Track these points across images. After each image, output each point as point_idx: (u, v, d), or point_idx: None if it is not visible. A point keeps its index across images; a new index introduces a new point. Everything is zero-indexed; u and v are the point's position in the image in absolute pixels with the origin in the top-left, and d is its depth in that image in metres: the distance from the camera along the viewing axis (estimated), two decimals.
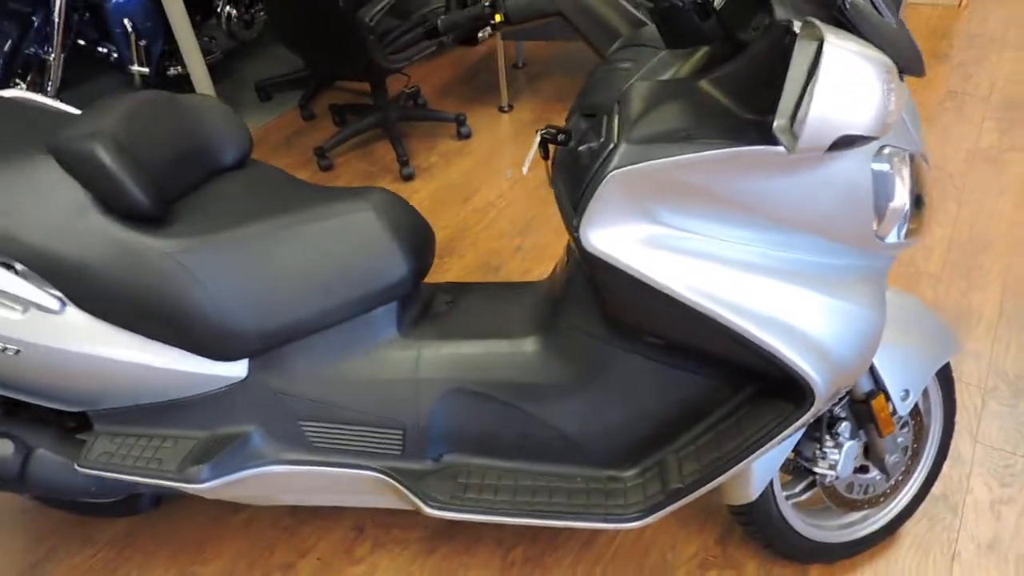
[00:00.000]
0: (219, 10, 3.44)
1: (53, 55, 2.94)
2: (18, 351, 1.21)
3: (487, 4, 1.26)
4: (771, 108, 0.91)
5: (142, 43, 3.03)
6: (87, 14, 3.16)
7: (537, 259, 2.37)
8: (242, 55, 3.90)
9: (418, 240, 1.31)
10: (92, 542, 1.71)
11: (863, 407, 1.28)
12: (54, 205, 1.17)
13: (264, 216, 1.25)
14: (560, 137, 1.16)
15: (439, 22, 1.37)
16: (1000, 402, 1.82)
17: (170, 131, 1.29)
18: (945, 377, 1.44)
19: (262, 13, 3.61)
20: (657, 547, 1.59)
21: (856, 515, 1.49)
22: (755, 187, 0.94)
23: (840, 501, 1.41)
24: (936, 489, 1.63)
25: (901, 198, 1.01)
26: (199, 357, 1.25)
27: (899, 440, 1.36)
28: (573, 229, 1.00)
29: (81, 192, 1.18)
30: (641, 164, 0.93)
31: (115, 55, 3.20)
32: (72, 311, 1.21)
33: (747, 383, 1.20)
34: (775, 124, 0.87)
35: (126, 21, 2.96)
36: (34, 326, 1.20)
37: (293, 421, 1.31)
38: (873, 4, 0.91)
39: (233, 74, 3.77)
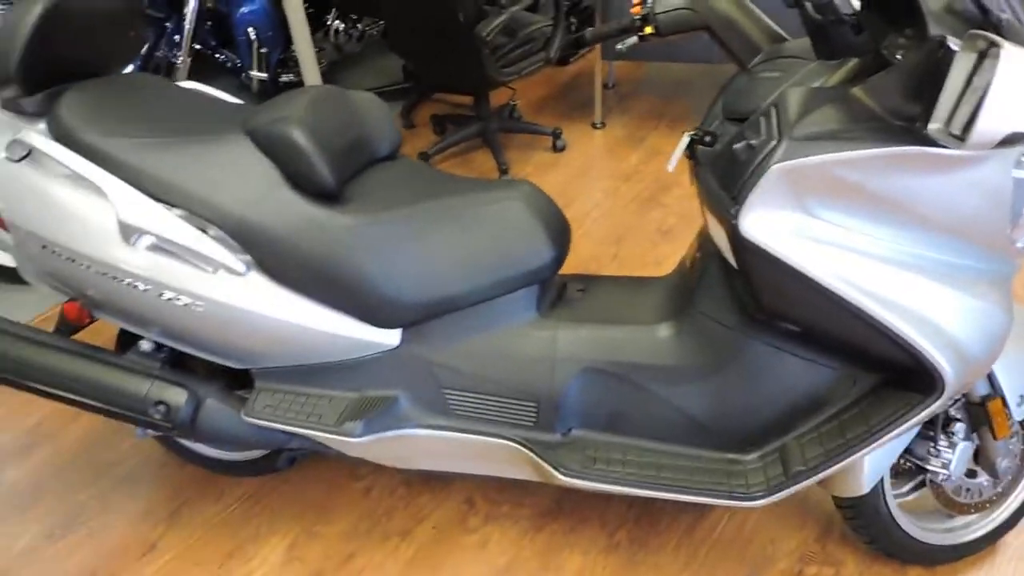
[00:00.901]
0: (328, 24, 3.67)
1: (181, 58, 3.18)
2: (203, 308, 1.36)
3: (639, 17, 1.38)
4: (921, 116, 1.01)
5: (263, 51, 3.25)
6: (210, 23, 3.42)
7: (633, 266, 2.47)
8: (346, 66, 4.13)
9: (559, 230, 1.43)
10: (224, 497, 1.85)
11: (979, 409, 1.34)
12: (249, 179, 1.32)
13: (425, 199, 1.39)
14: (707, 139, 1.27)
15: (587, 33, 1.50)
16: None
17: (343, 121, 1.44)
18: None
19: (365, 27, 3.82)
20: (758, 539, 1.66)
21: (961, 520, 1.54)
22: (906, 186, 1.03)
23: (948, 503, 1.47)
24: None
25: None
26: (361, 323, 1.39)
27: (1011, 446, 1.42)
28: (731, 218, 1.10)
29: (273, 169, 1.33)
30: (803, 159, 1.03)
31: (234, 62, 3.45)
32: (254, 275, 1.36)
33: (870, 374, 1.28)
34: (931, 127, 0.96)
35: (250, 30, 3.19)
36: (220, 286, 1.35)
37: (437, 388, 1.43)
38: (1020, 21, 1.00)
39: (337, 83, 3.97)
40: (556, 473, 1.37)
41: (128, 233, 1.32)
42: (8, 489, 1.93)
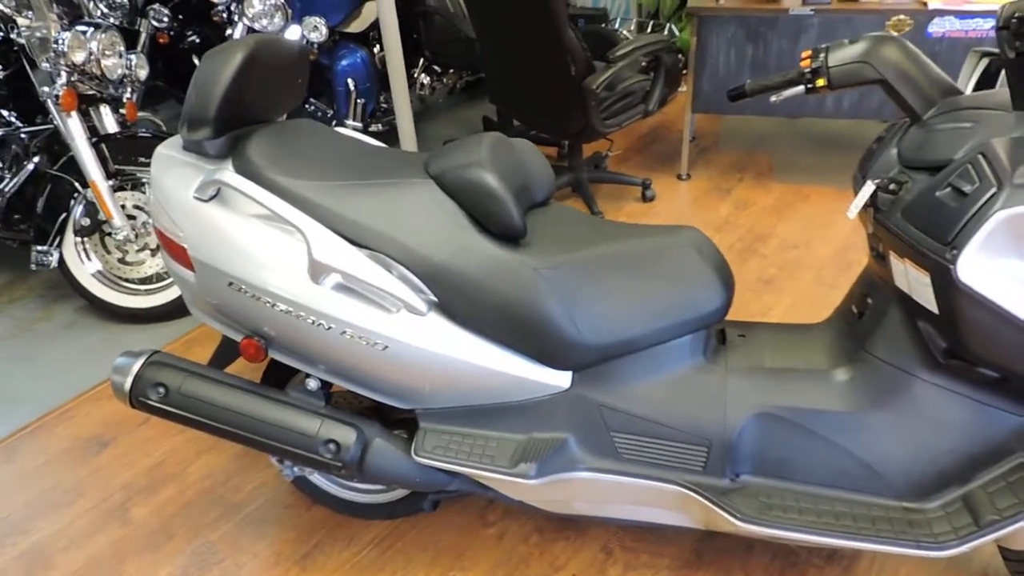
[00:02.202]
0: (415, 77, 3.80)
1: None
2: (384, 346, 1.39)
3: (808, 71, 1.42)
4: None
5: (360, 101, 3.37)
6: None
7: (740, 316, 2.48)
8: (426, 117, 4.25)
9: (725, 277, 1.45)
10: (356, 540, 1.85)
11: None
12: (438, 221, 1.37)
13: (600, 243, 1.42)
14: (891, 186, 1.30)
15: (746, 86, 1.55)
16: None
17: (514, 167, 1.48)
18: None
19: (449, 80, 3.95)
20: None
21: None
22: None
23: None
24: None
25: None
26: (536, 364, 1.41)
27: None
28: (946, 263, 1.12)
29: (460, 212, 1.37)
30: None
31: (323, 111, 3.56)
32: (434, 315, 1.39)
33: None
34: None
35: (350, 81, 3.31)
36: (402, 326, 1.38)
37: (606, 432, 1.44)
38: None
39: (420, 134, 4.10)
40: (731, 518, 1.36)
41: (318, 272, 1.36)
42: (137, 527, 1.95)
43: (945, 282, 1.13)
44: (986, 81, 1.61)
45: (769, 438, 1.40)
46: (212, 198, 1.43)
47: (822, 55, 1.42)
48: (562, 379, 1.43)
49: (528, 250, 1.38)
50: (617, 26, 4.32)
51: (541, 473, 1.41)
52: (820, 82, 1.42)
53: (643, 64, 3.02)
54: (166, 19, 3.27)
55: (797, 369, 1.43)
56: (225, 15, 3.15)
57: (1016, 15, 1.11)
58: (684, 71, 3.38)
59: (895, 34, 1.42)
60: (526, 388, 1.43)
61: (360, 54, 3.31)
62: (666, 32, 4.25)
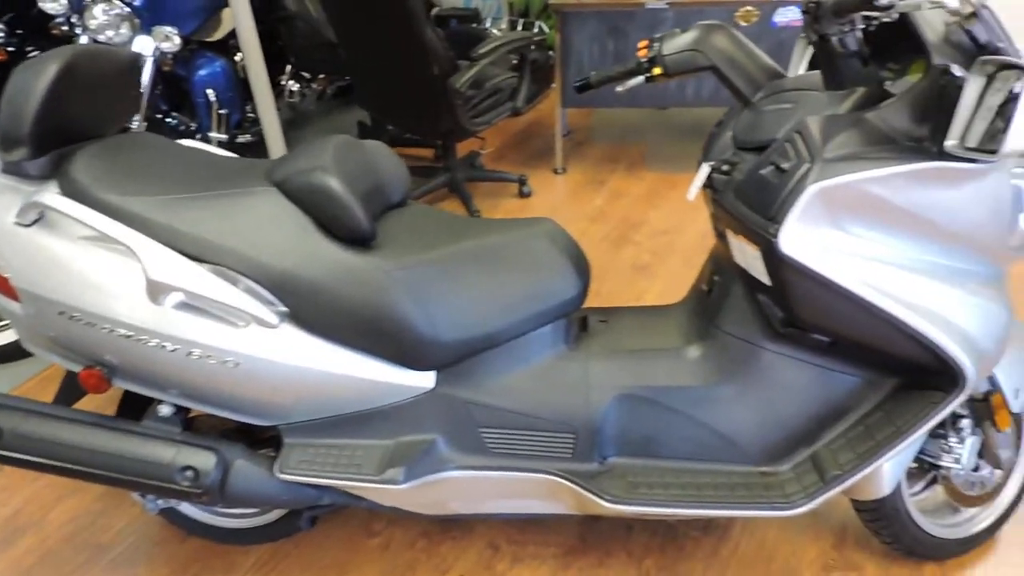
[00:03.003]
0: (283, 84, 3.69)
1: (137, 123, 3.13)
2: (236, 363, 1.34)
3: (646, 60, 1.47)
4: (930, 136, 1.13)
5: (223, 112, 3.23)
6: (160, 87, 3.38)
7: (615, 303, 2.55)
8: (299, 125, 4.13)
9: (581, 265, 1.48)
10: (235, 568, 1.78)
11: (982, 404, 1.45)
12: (281, 229, 1.33)
13: (455, 241, 1.42)
14: (724, 168, 1.36)
15: (591, 76, 1.58)
16: None
17: (363, 170, 1.46)
18: None
19: (320, 86, 3.86)
20: (780, 554, 1.71)
21: (968, 512, 1.63)
22: (924, 198, 1.14)
23: (958, 497, 1.56)
24: None
25: None
26: (397, 367, 1.39)
27: (1010, 436, 1.53)
28: (770, 236, 1.18)
29: (305, 218, 1.34)
30: (837, 179, 1.12)
31: (186, 124, 3.41)
32: (287, 326, 1.35)
33: (889, 379, 1.36)
34: (948, 144, 1.07)
35: (209, 91, 3.17)
36: (253, 340, 1.33)
37: (474, 428, 1.44)
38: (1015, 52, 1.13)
39: (293, 141, 3.99)
40: (601, 501, 1.39)
41: (157, 291, 1.29)
42: None
43: (772, 255, 1.19)
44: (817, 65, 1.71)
45: (631, 418, 1.44)
46: (35, 222, 1.33)
47: (656, 44, 1.47)
48: (425, 380, 1.42)
49: (379, 252, 1.36)
50: (488, 25, 4.35)
51: (410, 477, 1.39)
52: (656, 71, 1.46)
53: (513, 62, 3.05)
54: (2, 34, 3.04)
55: (653, 349, 1.47)
56: (66, 27, 2.96)
57: (812, 1, 1.18)
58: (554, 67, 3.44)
59: (741, 22, 1.50)
60: (389, 392, 1.41)
61: (219, 63, 3.18)
62: (535, 29, 4.31)
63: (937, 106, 1.11)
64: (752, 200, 1.24)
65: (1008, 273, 1.34)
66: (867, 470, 1.32)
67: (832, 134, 1.16)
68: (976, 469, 1.56)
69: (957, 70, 1.09)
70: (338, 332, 1.35)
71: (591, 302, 2.56)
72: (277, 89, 3.71)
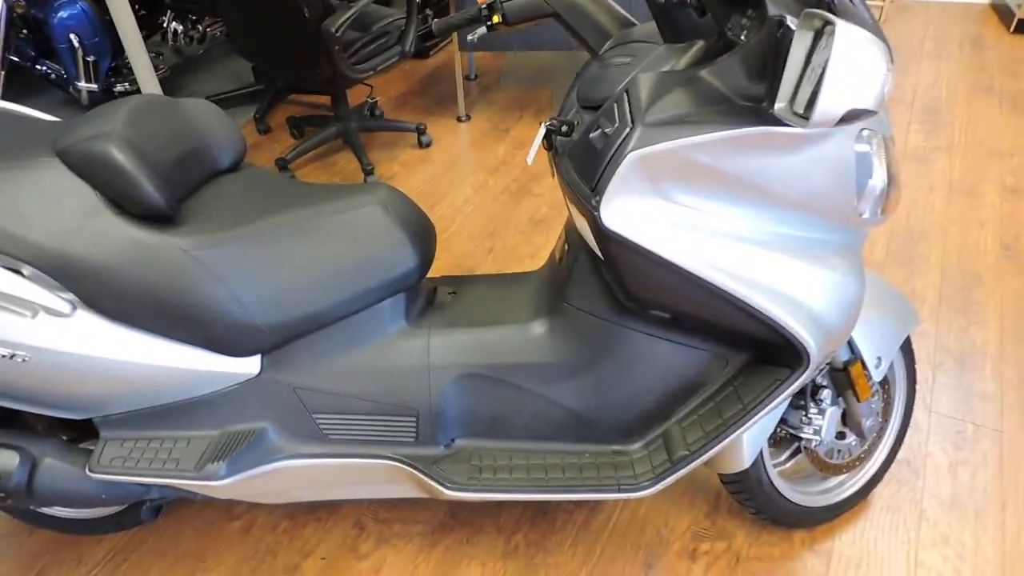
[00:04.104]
0: (165, 26, 3.41)
1: None
2: (26, 357, 1.20)
3: (484, 7, 1.32)
4: (766, 95, 1.02)
5: (89, 59, 2.97)
6: (26, 31, 3.09)
7: (508, 259, 2.44)
8: (190, 70, 3.85)
9: (422, 233, 1.36)
10: (84, 561, 1.67)
11: (842, 375, 1.39)
12: (65, 207, 1.17)
13: (273, 213, 1.28)
14: (564, 128, 1.24)
15: (433, 24, 1.43)
16: (948, 375, 1.98)
17: (172, 133, 1.31)
18: (906, 348, 1.57)
19: (209, 28, 3.58)
20: (651, 524, 1.66)
21: (835, 480, 1.61)
22: (757, 166, 1.04)
23: (822, 466, 1.52)
24: (900, 455, 1.77)
25: (879, 176, 1.13)
26: (213, 354, 1.27)
27: (873, 405, 1.48)
28: (592, 209, 1.07)
29: (92, 193, 1.18)
30: (658, 145, 1.01)
31: (58, 73, 3.13)
32: (83, 314, 1.21)
33: (740, 354, 1.29)
34: (776, 107, 0.96)
35: (72, 36, 2.90)
36: (44, 331, 1.19)
37: (307, 415, 1.33)
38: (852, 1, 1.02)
39: (182, 90, 3.72)
40: (442, 488, 1.31)
41: None
42: None
43: (597, 228, 1.09)
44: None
45: (476, 399, 1.35)
46: None
47: None
48: (248, 365, 1.30)
49: (180, 229, 1.22)
50: None
51: (233, 471, 1.29)
52: (496, 18, 1.33)
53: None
54: None
55: (499, 323, 1.37)
56: None
57: None
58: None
59: None
60: (208, 380, 1.29)
61: (81, 4, 2.90)
62: None
63: (773, 63, 1.00)
64: (580, 167, 1.12)
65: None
66: (714, 450, 1.26)
67: (660, 94, 1.05)
68: (843, 437, 1.52)
69: (793, 23, 0.98)
70: (140, 319, 1.22)
71: (484, 258, 2.45)
72: (159, 31, 3.43)
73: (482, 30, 1.39)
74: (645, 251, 1.08)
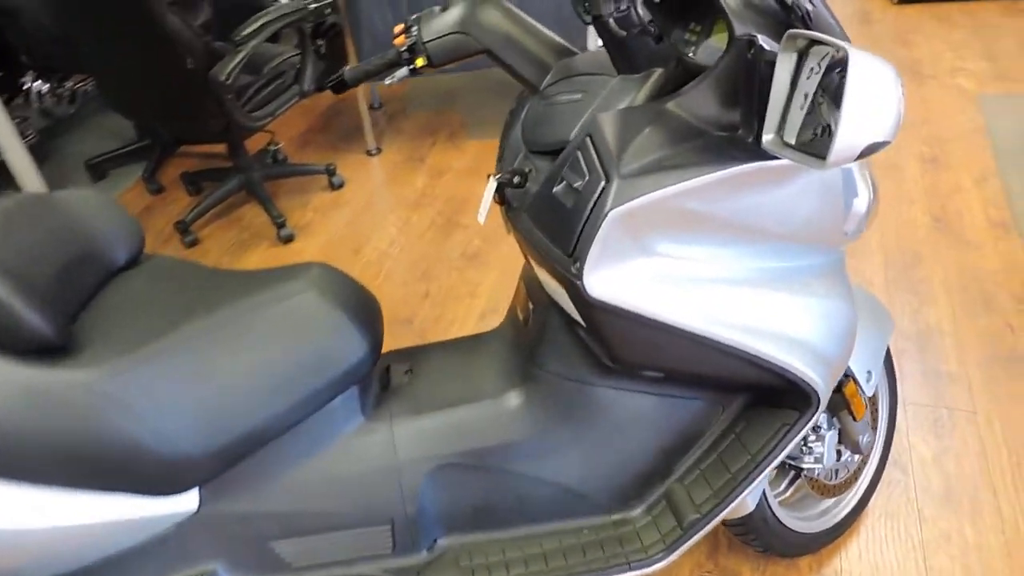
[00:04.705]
0: (26, 87, 3.07)
1: None
2: None
3: (404, 49, 1.17)
4: (742, 122, 0.91)
5: None
6: None
7: (447, 301, 2.28)
8: (62, 132, 3.50)
9: (367, 313, 1.19)
10: None
11: (837, 396, 1.31)
12: None
13: (188, 317, 1.09)
14: (516, 180, 1.10)
15: (345, 73, 1.27)
16: (912, 361, 1.95)
17: (52, 240, 1.10)
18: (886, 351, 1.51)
19: (79, 85, 3.25)
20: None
21: (833, 499, 1.53)
22: (747, 203, 0.93)
23: (823, 490, 1.44)
24: None
25: (864, 193, 1.04)
26: (140, 496, 1.06)
27: (866, 419, 1.41)
28: (573, 277, 0.93)
29: None
30: (640, 199, 0.88)
31: None
32: None
33: (736, 397, 1.19)
34: (765, 140, 0.86)
35: None
36: None
37: (263, 543, 1.14)
38: (827, 9, 0.92)
39: (56, 154, 3.37)
40: None
41: None
42: None
43: (579, 298, 0.96)
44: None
45: (455, 491, 1.20)
46: None
47: (415, 29, 1.17)
48: (185, 502, 1.10)
49: (79, 359, 1.01)
50: None
51: None
52: (420, 61, 1.17)
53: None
54: None
55: (468, 401, 1.22)
56: None
57: None
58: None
59: None
60: (140, 528, 1.08)
61: None
62: None
63: (747, 87, 0.89)
64: (548, 228, 0.99)
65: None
66: (729, 507, 1.15)
67: (628, 136, 0.92)
68: (840, 455, 1.44)
69: (765, 41, 0.87)
70: (46, 475, 1.00)
71: (421, 303, 2.29)
72: (22, 94, 3.09)
73: (402, 73, 1.24)
74: (635, 315, 0.95)
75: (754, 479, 1.12)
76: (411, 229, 2.63)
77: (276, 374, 1.09)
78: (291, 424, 1.12)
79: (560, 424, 1.19)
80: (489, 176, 1.14)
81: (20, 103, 3.13)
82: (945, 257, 2.27)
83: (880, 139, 0.75)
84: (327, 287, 1.16)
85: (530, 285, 1.24)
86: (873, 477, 1.56)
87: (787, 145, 0.84)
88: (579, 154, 0.96)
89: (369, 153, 3.09)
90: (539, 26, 1.20)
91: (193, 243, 2.67)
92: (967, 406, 1.81)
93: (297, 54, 2.52)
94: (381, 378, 1.30)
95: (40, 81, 3.11)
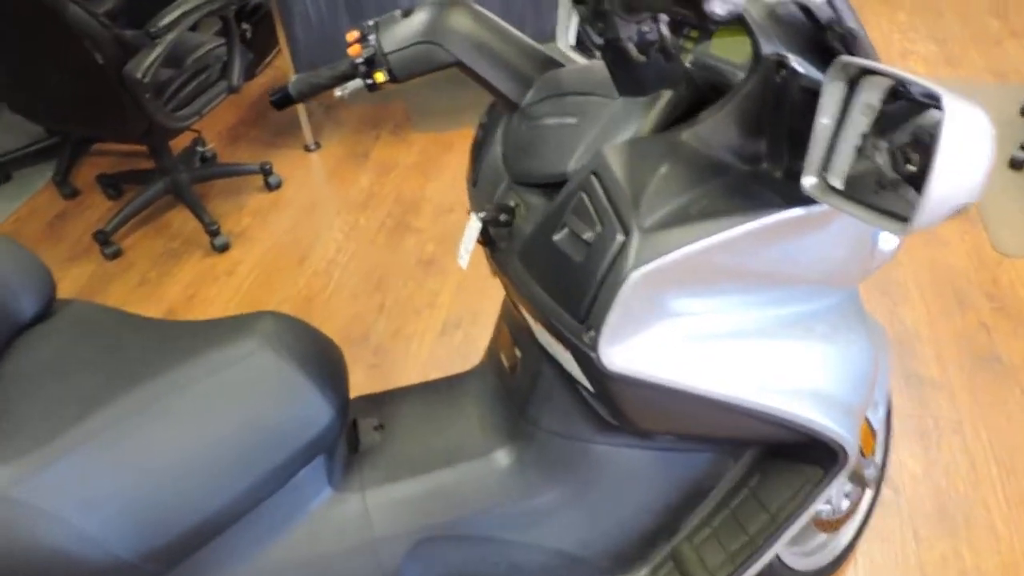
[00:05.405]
0: None
1: None
2: None
3: (361, 60, 0.99)
4: (768, 154, 0.79)
5: None
6: None
7: (405, 316, 2.11)
8: None
9: (331, 368, 1.03)
10: None
11: None
12: None
13: (113, 388, 0.90)
14: (503, 217, 0.95)
15: (290, 86, 1.08)
16: (893, 367, 1.89)
17: None
18: None
19: None
20: None
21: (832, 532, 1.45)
22: (782, 252, 0.81)
23: (826, 526, 1.36)
24: None
25: None
26: None
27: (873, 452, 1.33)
28: (586, 348, 0.79)
29: None
30: (666, 257, 0.74)
31: None
32: None
33: (747, 448, 1.08)
34: (806, 184, 0.73)
35: None
36: None
37: None
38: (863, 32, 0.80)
39: None
40: None
41: None
42: None
43: (591, 367, 0.82)
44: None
45: (440, 566, 1.06)
46: None
47: (372, 37, 0.99)
48: None
49: None
50: None
51: None
52: (379, 76, 0.99)
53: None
54: None
55: (449, 462, 1.08)
56: None
57: None
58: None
59: None
60: None
61: None
62: None
63: (775, 113, 0.77)
64: (549, 283, 0.84)
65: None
66: (750, 573, 1.04)
67: (642, 176, 0.78)
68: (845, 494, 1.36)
69: (797, 62, 0.74)
70: None
71: (377, 318, 2.11)
72: None
73: (355, 86, 1.06)
74: (654, 384, 0.82)
75: (776, 542, 1.02)
76: (359, 234, 2.43)
77: (227, 455, 0.92)
78: (246, 510, 0.95)
79: (555, 485, 1.06)
80: (470, 213, 0.98)
81: None
82: (915, 256, 2.22)
83: (972, 200, 0.63)
84: (283, 342, 0.98)
85: (516, 330, 1.09)
86: (871, 504, 1.49)
87: (835, 192, 0.72)
88: (584, 196, 0.81)
89: (307, 149, 2.86)
90: (516, 32, 1.04)
91: (116, 254, 2.41)
92: (952, 414, 1.76)
93: (222, 44, 2.27)
94: (348, 437, 1.13)
95: None
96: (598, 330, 0.77)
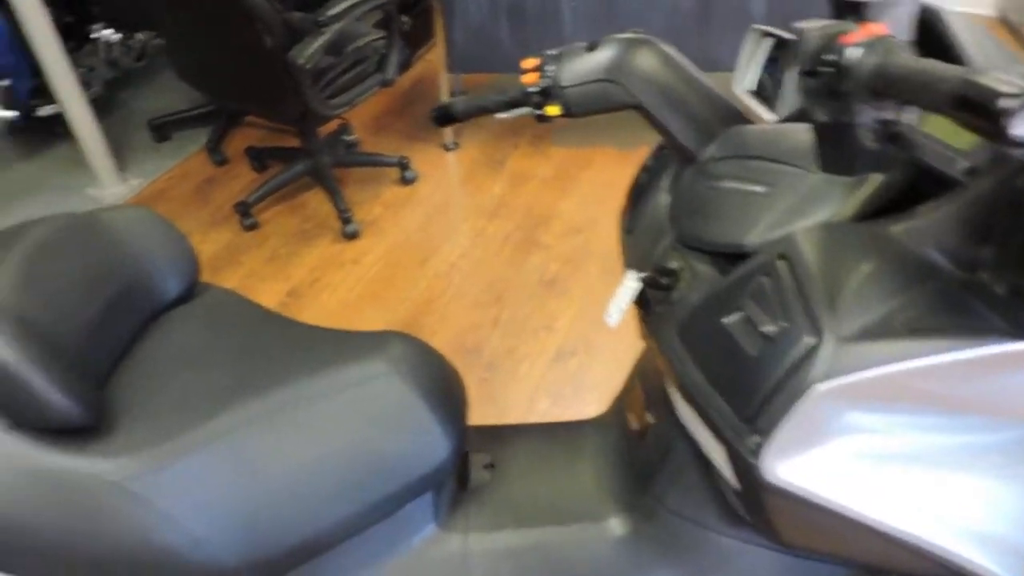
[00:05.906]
0: (95, 35, 2.91)
1: None
2: None
3: (535, 90, 0.94)
4: (995, 267, 0.68)
5: (4, 83, 2.49)
6: None
7: (520, 334, 2.07)
8: (128, 86, 3.35)
9: (453, 402, 0.99)
10: None
11: None
12: None
13: (243, 392, 0.90)
14: (664, 281, 0.87)
15: (454, 105, 1.05)
16: None
17: (91, 275, 0.92)
18: None
19: (148, 38, 3.09)
20: None
21: None
22: (998, 384, 0.69)
23: None
24: None
25: None
26: None
27: None
28: (747, 454, 0.71)
29: None
30: (860, 374, 0.65)
31: None
32: None
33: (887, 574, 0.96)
34: None
35: None
36: None
37: None
38: None
39: (119, 109, 3.23)
40: None
41: None
42: None
43: (748, 474, 0.73)
44: (773, 69, 1.21)
45: None
46: None
47: (552, 68, 0.94)
48: None
49: (109, 442, 0.83)
50: None
51: None
52: (553, 110, 0.94)
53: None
54: None
55: (559, 520, 1.02)
56: None
57: (826, 57, 0.68)
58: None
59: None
60: None
61: None
62: None
63: (1011, 219, 0.66)
64: (711, 368, 0.76)
65: None
66: None
67: (841, 271, 0.69)
68: None
69: None
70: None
71: (491, 332, 2.08)
72: (90, 42, 2.93)
73: (519, 112, 1.01)
74: (816, 503, 0.73)
75: None
76: (485, 242, 2.41)
77: (342, 477, 0.89)
78: (350, 535, 0.93)
79: (670, 568, 0.98)
80: (627, 272, 0.91)
81: (88, 51, 2.98)
82: None
83: None
84: (411, 368, 0.95)
85: (651, 394, 1.02)
86: None
87: None
88: (765, 281, 0.73)
89: (446, 148, 2.87)
90: (704, 78, 0.96)
91: (252, 227, 2.50)
92: None
93: (381, 37, 2.30)
94: (458, 471, 1.09)
95: (111, 31, 2.95)
96: (765, 437, 0.69)
